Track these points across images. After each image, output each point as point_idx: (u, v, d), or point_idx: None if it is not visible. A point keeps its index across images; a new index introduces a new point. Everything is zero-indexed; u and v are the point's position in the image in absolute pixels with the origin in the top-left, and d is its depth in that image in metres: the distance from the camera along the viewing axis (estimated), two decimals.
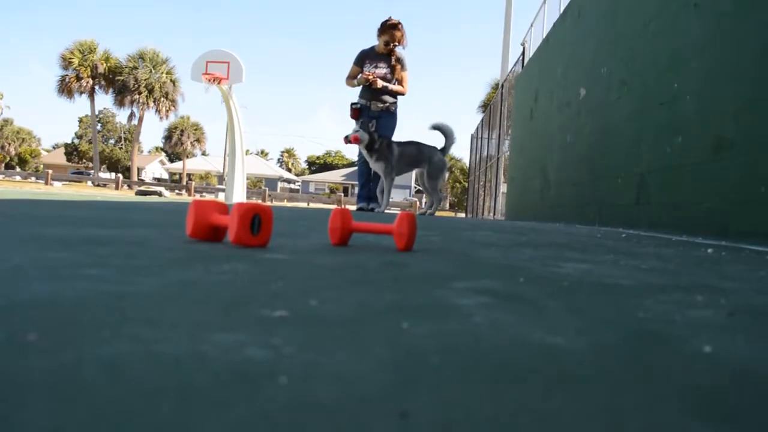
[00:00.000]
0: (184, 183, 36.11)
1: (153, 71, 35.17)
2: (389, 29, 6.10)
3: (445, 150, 6.30)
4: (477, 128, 19.81)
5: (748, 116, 2.69)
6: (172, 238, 1.34)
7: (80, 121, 60.57)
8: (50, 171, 22.19)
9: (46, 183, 20.88)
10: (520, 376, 0.42)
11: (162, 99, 35.46)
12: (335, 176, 58.13)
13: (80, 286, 0.65)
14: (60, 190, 14.31)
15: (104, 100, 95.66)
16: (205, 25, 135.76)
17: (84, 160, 55.80)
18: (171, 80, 35.78)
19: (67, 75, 34.78)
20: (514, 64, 12.55)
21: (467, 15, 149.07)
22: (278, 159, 78.70)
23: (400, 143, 6.02)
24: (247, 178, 34.10)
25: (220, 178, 41.73)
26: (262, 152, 78.24)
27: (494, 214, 13.68)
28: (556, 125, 6.75)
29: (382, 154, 5.86)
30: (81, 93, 35.09)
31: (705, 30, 3.18)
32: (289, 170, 71.83)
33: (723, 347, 0.54)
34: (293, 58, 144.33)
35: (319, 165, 75.31)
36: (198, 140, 46.29)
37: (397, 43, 6.15)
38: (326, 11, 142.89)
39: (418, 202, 22.46)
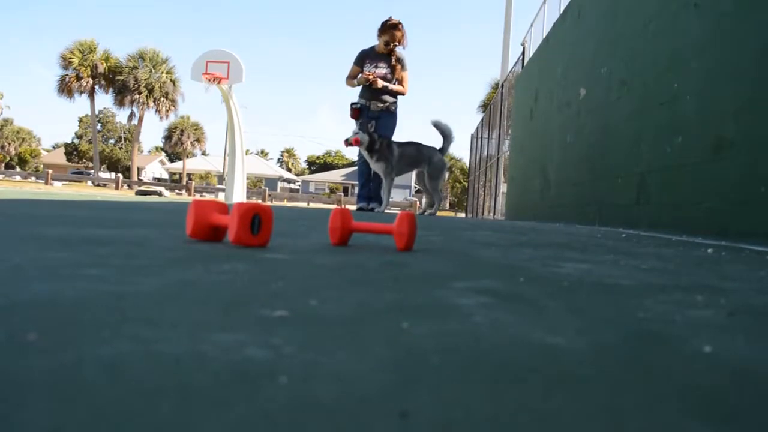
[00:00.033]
0: (184, 183, 36.11)
1: (153, 71, 35.18)
2: (389, 29, 6.10)
3: (443, 150, 6.33)
4: (477, 128, 19.81)
5: (748, 116, 2.69)
6: (172, 238, 1.34)
7: (80, 120, 60.58)
8: (50, 171, 22.19)
9: (46, 183, 20.88)
10: (520, 376, 0.42)
11: (162, 99, 35.47)
12: (335, 176, 58.14)
13: (80, 286, 0.65)
14: (60, 190, 14.31)
15: (104, 100, 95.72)
16: (205, 25, 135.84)
17: (84, 160, 55.80)
18: (171, 80, 35.78)
19: (67, 75, 34.78)
20: (514, 64, 12.55)
21: (467, 15, 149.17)
22: (278, 159, 78.73)
23: (400, 144, 6.03)
24: (247, 178, 34.09)
25: (220, 178, 41.74)
26: (262, 152, 78.26)
27: (494, 214, 13.68)
28: (556, 125, 6.75)
29: (383, 155, 5.86)
30: (81, 93, 35.11)
31: (705, 30, 3.18)
32: (289, 170, 71.83)
33: (723, 347, 0.54)
34: (293, 58, 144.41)
35: (319, 165, 75.32)
36: (198, 140, 46.29)
37: (397, 43, 6.15)
38: (326, 11, 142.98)
39: (418, 202, 22.45)
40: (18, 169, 51.27)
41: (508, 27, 16.08)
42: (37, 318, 0.49)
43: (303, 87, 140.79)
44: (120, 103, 35.53)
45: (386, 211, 6.06)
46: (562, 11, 7.20)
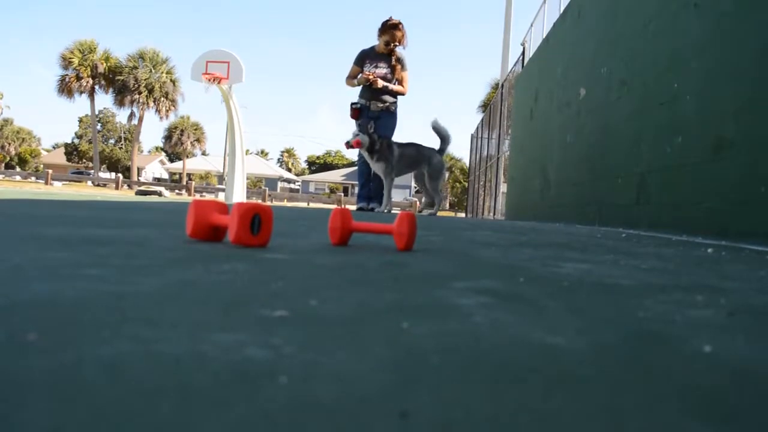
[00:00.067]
0: (184, 183, 36.11)
1: (153, 71, 35.18)
2: (390, 29, 6.10)
3: (442, 151, 6.39)
4: (477, 128, 19.81)
5: (748, 116, 2.69)
6: (172, 238, 1.34)
7: (80, 120, 60.56)
8: (50, 171, 22.19)
9: (46, 183, 20.88)
10: (520, 376, 0.42)
11: (162, 99, 35.47)
12: (335, 176, 58.15)
13: (80, 286, 0.65)
14: (60, 190, 14.31)
15: (104, 100, 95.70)
16: (205, 25, 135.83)
17: (84, 160, 55.79)
18: (171, 80, 35.78)
19: (67, 75, 34.79)
20: (514, 64, 12.55)
21: (467, 15, 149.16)
22: (278, 159, 78.72)
23: (400, 144, 6.04)
24: (247, 178, 34.10)
25: (220, 178, 41.74)
26: (262, 152, 78.25)
27: (494, 214, 13.68)
28: (556, 125, 6.75)
29: (383, 155, 5.87)
30: (81, 93, 35.11)
31: (705, 30, 3.18)
32: (289, 170, 71.83)
33: (723, 347, 0.54)
34: (293, 58, 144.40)
35: (319, 165, 75.33)
36: (198, 140, 46.29)
37: (397, 43, 6.15)
38: (326, 11, 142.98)
39: (418, 202, 22.47)
40: (18, 169, 51.29)
41: (508, 27, 16.08)
42: (37, 318, 0.49)
43: (303, 87, 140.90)
44: (120, 103, 35.54)
45: (393, 211, 6.08)
46: (562, 11, 7.20)
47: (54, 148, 68.24)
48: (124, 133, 60.23)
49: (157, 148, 69.13)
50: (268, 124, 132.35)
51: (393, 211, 6.09)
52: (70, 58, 34.48)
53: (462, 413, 0.33)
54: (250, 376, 0.37)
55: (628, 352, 0.51)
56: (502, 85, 14.33)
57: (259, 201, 12.02)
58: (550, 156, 7.00)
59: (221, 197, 15.82)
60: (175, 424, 0.29)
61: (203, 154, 55.20)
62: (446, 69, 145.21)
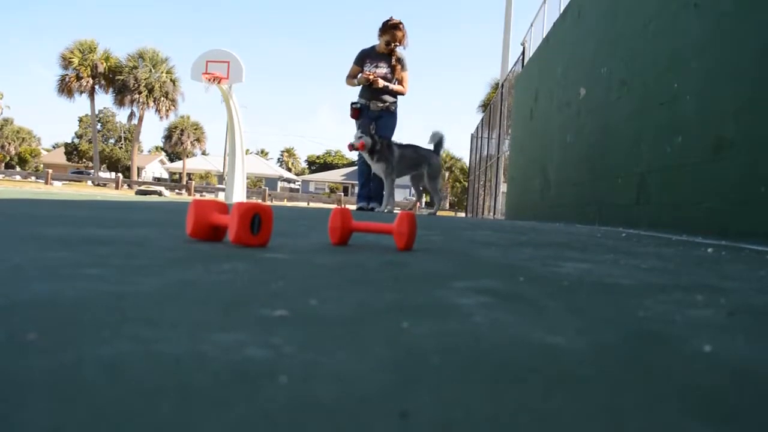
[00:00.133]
0: (184, 182, 36.11)
1: (153, 71, 35.19)
2: (390, 29, 6.10)
3: (437, 153, 6.52)
4: (477, 128, 19.81)
5: (748, 116, 2.69)
6: (172, 238, 1.34)
7: (80, 120, 60.54)
8: (50, 170, 22.20)
9: (46, 182, 20.88)
10: (520, 376, 0.42)
11: (162, 98, 35.48)
12: (335, 176, 58.15)
13: (80, 286, 0.65)
14: (60, 190, 14.31)
15: (104, 100, 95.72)
16: (205, 25, 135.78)
17: (84, 160, 55.79)
18: (171, 80, 35.79)
19: (67, 74, 34.80)
20: (514, 64, 12.55)
21: (467, 15, 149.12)
22: (278, 159, 78.70)
23: (399, 145, 6.07)
24: (247, 178, 34.08)
25: (220, 178, 41.74)
26: (262, 152, 78.24)
27: (494, 214, 13.68)
28: (556, 125, 6.75)
29: (383, 155, 5.88)
30: (81, 92, 35.12)
31: (705, 30, 3.18)
32: (289, 170, 71.82)
33: (723, 347, 0.54)
34: (293, 58, 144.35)
35: (319, 164, 75.33)
36: (198, 140, 46.29)
37: (398, 43, 6.15)
38: (326, 11, 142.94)
39: (418, 202, 22.50)
40: (18, 168, 51.28)
41: (508, 27, 16.07)
42: (37, 318, 0.49)
43: (303, 87, 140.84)
44: (120, 102, 35.55)
45: (395, 211, 6.11)
46: (562, 11, 7.20)
47: (54, 147, 68.22)
48: (124, 132, 60.22)
49: (157, 148, 69.14)
50: (268, 124, 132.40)
51: (394, 211, 6.11)
52: (70, 58, 34.49)
53: (462, 413, 0.33)
54: (250, 376, 0.37)
55: (628, 352, 0.51)
56: (502, 85, 14.33)
57: (259, 201, 12.01)
58: (550, 156, 7.00)
59: (221, 197, 15.82)
60: (175, 424, 0.29)
61: (203, 153, 55.21)
62: (446, 69, 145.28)
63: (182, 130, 45.21)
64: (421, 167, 6.25)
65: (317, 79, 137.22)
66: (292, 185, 56.50)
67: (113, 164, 55.51)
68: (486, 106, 23.61)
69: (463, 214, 27.08)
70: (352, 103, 6.16)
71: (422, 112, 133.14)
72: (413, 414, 0.33)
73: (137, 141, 39.99)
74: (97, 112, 44.13)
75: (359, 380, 0.38)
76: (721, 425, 0.34)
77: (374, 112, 6.10)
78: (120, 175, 37.99)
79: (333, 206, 3.22)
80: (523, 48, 11.02)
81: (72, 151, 57.62)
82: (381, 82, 6.03)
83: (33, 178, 29.20)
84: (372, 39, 9.07)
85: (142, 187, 22.36)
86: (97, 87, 35.35)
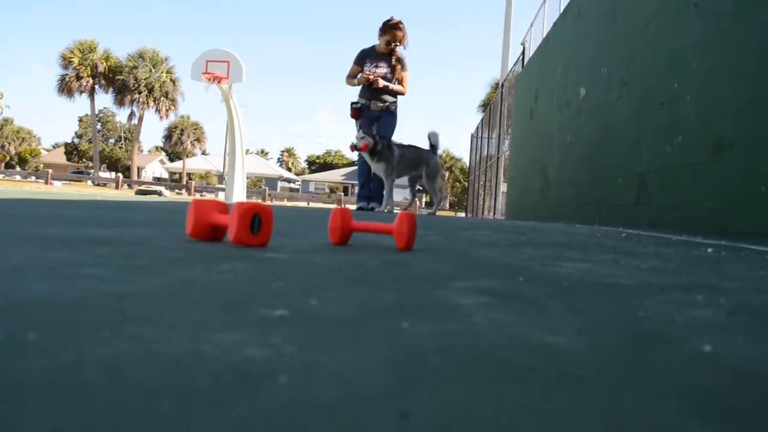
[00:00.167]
0: (184, 182, 36.11)
1: (153, 70, 35.19)
2: (391, 29, 6.10)
3: (435, 153, 6.56)
4: (477, 128, 19.81)
5: (748, 116, 2.69)
6: (172, 238, 1.34)
7: (80, 120, 60.53)
8: (50, 170, 22.19)
9: (46, 182, 20.88)
10: (520, 376, 0.42)
11: (162, 98, 35.48)
12: (335, 176, 58.14)
13: (80, 286, 0.65)
14: (60, 190, 14.31)
15: (104, 100, 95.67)
16: (205, 25, 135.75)
17: (84, 160, 55.78)
18: (171, 79, 35.80)
19: (67, 74, 34.80)
20: (514, 64, 12.55)
21: (467, 15, 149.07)
22: (278, 158, 78.70)
23: (399, 146, 6.07)
24: (247, 178, 34.07)
25: (220, 178, 41.74)
26: (262, 152, 78.24)
27: (494, 214, 13.68)
28: (556, 125, 6.75)
29: (383, 156, 5.88)
30: (81, 92, 35.13)
31: (705, 30, 3.18)
32: (289, 170, 71.81)
33: (723, 347, 0.54)
34: (293, 58, 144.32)
35: (319, 164, 75.32)
36: (198, 140, 46.29)
37: (398, 43, 6.15)
38: (326, 11, 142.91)
39: (417, 202, 22.54)
40: (18, 168, 51.28)
41: (508, 27, 16.07)
42: (37, 318, 0.49)
43: (303, 87, 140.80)
44: (120, 102, 35.55)
45: (395, 211, 6.12)
46: (562, 11, 7.20)
47: (54, 147, 68.22)
48: (124, 132, 60.21)
49: (157, 148, 69.11)
50: (268, 124, 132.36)
51: (395, 211, 6.12)
52: (70, 58, 34.49)
53: (462, 413, 0.33)
54: (250, 376, 0.37)
55: (628, 352, 0.51)
56: (502, 85, 14.33)
57: (259, 200, 12.01)
58: (550, 156, 7.00)
59: (221, 197, 15.82)
60: (175, 424, 0.29)
61: (203, 153, 55.21)
62: (446, 69, 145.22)
63: (182, 130, 45.21)
64: (420, 167, 6.27)
65: (317, 79, 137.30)
66: (292, 185, 56.50)
67: (113, 164, 55.51)
68: (486, 106, 23.61)
69: (463, 214, 27.08)
70: (352, 103, 6.16)
71: (422, 112, 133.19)
72: (413, 414, 0.33)
73: (137, 141, 40.00)
74: (97, 112, 44.13)
75: (359, 380, 0.38)
76: (721, 425, 0.34)
77: (374, 112, 6.10)
78: (120, 175, 37.99)
79: (333, 206, 3.22)
80: (523, 48, 11.02)
81: (72, 151, 57.62)
82: (381, 82, 6.03)
83: (33, 178, 29.21)
84: (372, 39, 9.07)
85: (142, 187, 22.37)
86: (97, 87, 35.36)
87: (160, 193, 20.14)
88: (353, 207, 7.07)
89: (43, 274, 0.72)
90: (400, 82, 6.21)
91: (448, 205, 45.11)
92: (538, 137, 7.96)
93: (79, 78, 34.64)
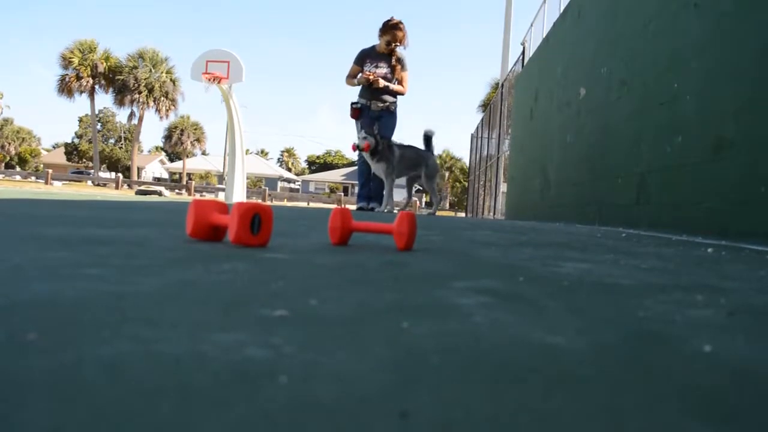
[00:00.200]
0: (184, 182, 36.11)
1: (153, 71, 35.19)
2: (391, 29, 6.11)
3: (433, 152, 6.63)
4: (477, 128, 19.81)
5: (748, 116, 2.69)
6: (172, 238, 1.34)
7: (80, 120, 60.52)
8: (50, 170, 22.19)
9: (46, 182, 20.88)
10: (520, 376, 0.42)
11: (162, 98, 35.48)
12: (335, 176, 58.14)
13: (80, 286, 0.65)
14: (60, 190, 14.31)
15: (104, 100, 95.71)
16: (205, 25, 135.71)
17: (84, 160, 55.78)
18: (171, 80, 35.79)
19: (67, 74, 34.80)
20: (514, 64, 12.55)
21: (467, 15, 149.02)
22: (278, 159, 78.68)
23: (400, 146, 6.08)
24: (247, 178, 34.06)
25: (220, 178, 41.74)
26: (262, 152, 78.22)
27: (494, 214, 13.68)
28: (556, 125, 6.75)
29: (384, 156, 5.89)
30: (81, 92, 35.12)
31: (705, 30, 3.18)
32: (289, 170, 71.80)
33: (723, 347, 0.54)
34: (293, 58, 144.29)
35: (319, 164, 75.31)
36: (198, 140, 46.29)
37: (398, 43, 6.15)
38: (326, 11, 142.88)
39: (417, 201, 22.55)
40: (18, 168, 51.28)
41: (508, 27, 16.07)
42: (37, 318, 0.49)
43: (303, 87, 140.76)
44: (120, 102, 35.55)
45: (395, 211, 6.13)
46: (562, 11, 7.20)
47: (54, 147, 68.20)
48: (124, 132, 60.20)
49: (157, 148, 69.10)
50: (268, 124, 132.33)
51: (394, 211, 6.13)
52: (70, 58, 34.49)
53: (462, 413, 0.33)
54: (250, 376, 0.37)
55: (628, 352, 0.51)
56: (502, 85, 14.33)
57: (259, 201, 12.01)
58: (550, 156, 7.00)
59: (221, 197, 15.82)
60: (175, 424, 0.29)
61: (203, 153, 55.21)
62: (446, 69, 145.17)
63: (182, 130, 45.20)
64: (419, 168, 6.29)
65: (317, 79, 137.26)
66: (292, 185, 56.50)
67: (113, 164, 55.50)
68: (486, 106, 23.61)
69: (463, 214, 27.08)
70: (353, 103, 6.16)
71: (422, 112, 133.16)
72: (413, 414, 0.33)
73: (137, 141, 40.00)
74: (97, 112, 44.13)
75: (359, 380, 0.38)
76: (721, 425, 0.34)
77: (374, 112, 6.10)
78: (120, 175, 37.99)
79: (333, 206, 3.22)
80: (523, 48, 11.02)
81: (72, 151, 57.61)
82: (381, 82, 6.03)
83: (33, 178, 29.20)
84: (372, 39, 9.08)
85: (142, 187, 22.37)
86: (97, 87, 35.36)
87: (160, 194, 20.15)
88: (353, 207, 7.07)
89: (43, 274, 0.72)
90: (400, 82, 6.21)
91: (448, 205, 45.11)
92: (538, 137, 7.96)
93: (79, 78, 34.64)
